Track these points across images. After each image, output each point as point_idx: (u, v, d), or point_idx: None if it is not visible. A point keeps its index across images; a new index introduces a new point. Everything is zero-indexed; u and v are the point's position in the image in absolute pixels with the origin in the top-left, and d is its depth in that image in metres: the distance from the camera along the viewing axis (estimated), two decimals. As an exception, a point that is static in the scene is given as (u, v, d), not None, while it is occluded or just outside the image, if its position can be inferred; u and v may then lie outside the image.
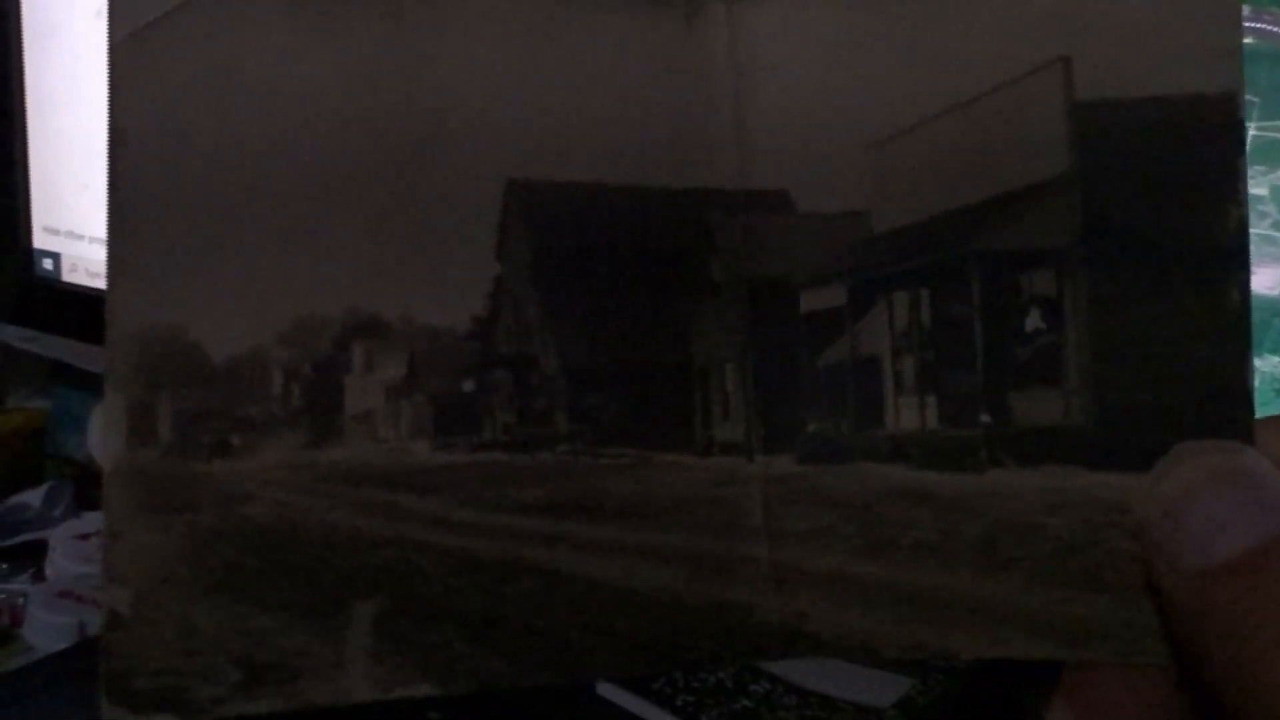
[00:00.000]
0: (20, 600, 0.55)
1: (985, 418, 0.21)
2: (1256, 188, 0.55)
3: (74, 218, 0.75)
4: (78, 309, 0.73)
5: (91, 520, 0.64)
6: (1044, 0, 0.21)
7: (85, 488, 0.67)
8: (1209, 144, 0.20)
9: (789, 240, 0.22)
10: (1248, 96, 0.54)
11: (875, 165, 0.22)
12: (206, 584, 0.20)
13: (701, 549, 0.21)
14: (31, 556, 0.61)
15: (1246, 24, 0.54)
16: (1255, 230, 0.55)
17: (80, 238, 0.74)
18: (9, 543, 0.62)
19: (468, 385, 0.21)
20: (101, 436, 0.67)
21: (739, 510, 0.21)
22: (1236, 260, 0.20)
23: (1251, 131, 0.54)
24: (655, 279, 0.22)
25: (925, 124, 0.21)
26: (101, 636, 0.19)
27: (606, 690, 0.47)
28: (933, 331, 0.22)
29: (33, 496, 0.66)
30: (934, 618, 0.21)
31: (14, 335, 0.76)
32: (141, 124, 0.20)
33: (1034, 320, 0.21)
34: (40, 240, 0.79)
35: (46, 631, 0.53)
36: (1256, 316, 0.55)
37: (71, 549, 0.60)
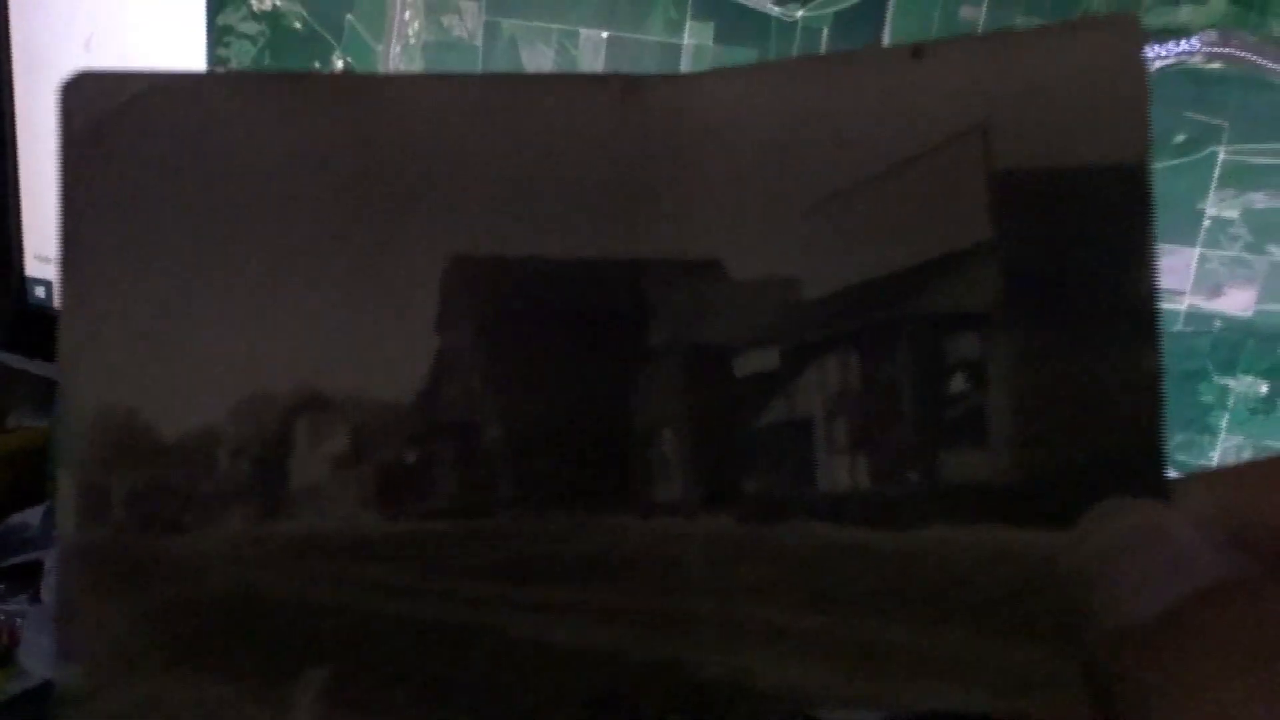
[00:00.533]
0: (18, 621, 0.55)
1: (914, 476, 0.22)
2: (1228, 210, 0.56)
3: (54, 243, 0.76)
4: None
5: None
6: (964, 72, 0.21)
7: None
8: (1120, 212, 0.21)
9: (724, 307, 0.22)
10: (1218, 120, 0.54)
11: (806, 234, 0.22)
12: (159, 658, 0.21)
13: (647, 607, 0.22)
14: (29, 577, 0.61)
15: (1215, 49, 0.55)
16: (1227, 253, 0.56)
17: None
18: (8, 563, 0.62)
19: (411, 456, 0.22)
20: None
21: (682, 569, 0.22)
22: (1149, 324, 0.21)
23: (1221, 155, 0.55)
24: (594, 347, 0.22)
25: (853, 193, 0.22)
26: (56, 714, 0.20)
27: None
28: (863, 393, 0.22)
29: (32, 516, 0.66)
30: (875, 671, 0.22)
31: (13, 357, 0.76)
32: (94, 213, 0.21)
33: (959, 382, 0.22)
34: (33, 269, 0.80)
35: (41, 656, 0.53)
36: (1230, 338, 0.56)
37: None
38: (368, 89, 0.22)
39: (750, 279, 0.22)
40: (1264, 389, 0.56)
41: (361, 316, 0.22)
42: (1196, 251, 0.56)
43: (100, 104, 0.21)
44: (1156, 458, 0.21)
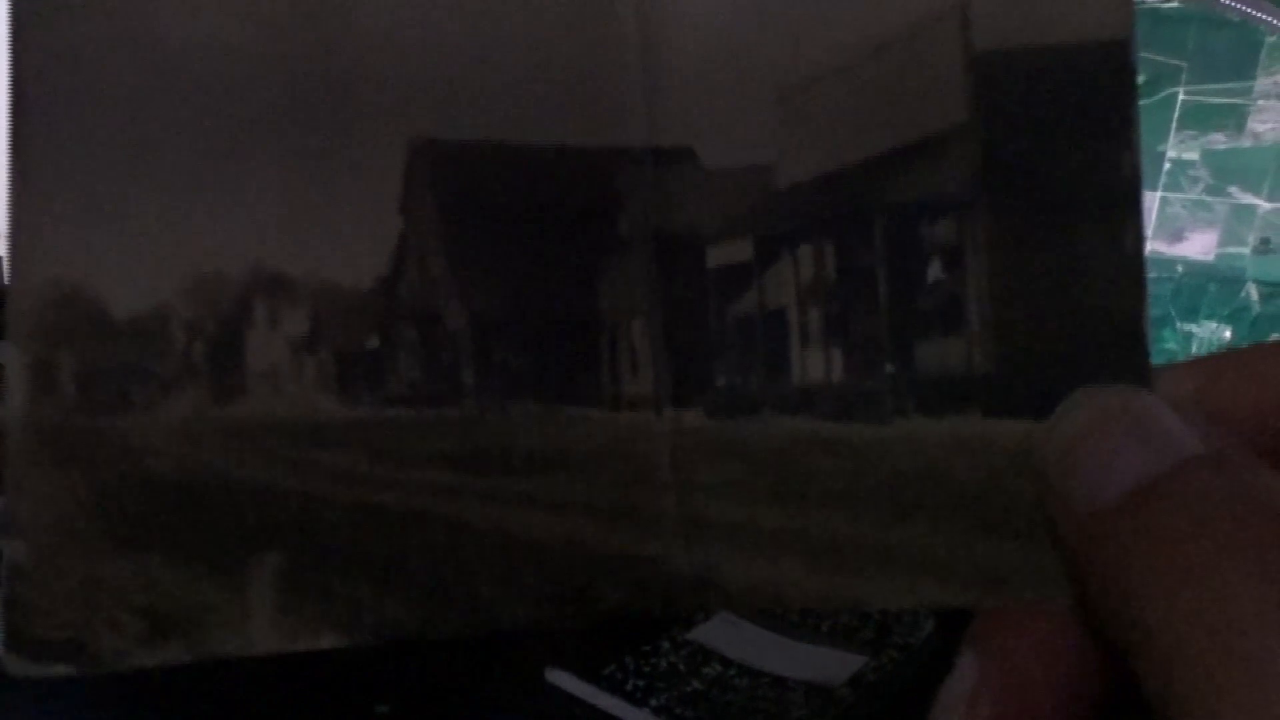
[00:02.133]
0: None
1: (890, 368, 0.21)
2: (1187, 152, 0.55)
3: None
4: None
5: None
6: None
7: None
8: (1103, 91, 0.20)
9: (695, 196, 0.22)
10: (1177, 61, 0.54)
11: (780, 119, 0.22)
12: (109, 537, 0.20)
13: (610, 502, 0.21)
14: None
15: None
16: (1188, 196, 0.55)
17: None
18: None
19: (372, 341, 0.21)
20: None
21: (648, 463, 0.22)
22: (1130, 205, 0.20)
23: (1181, 95, 0.55)
24: (561, 235, 0.22)
25: (828, 76, 0.21)
26: (3, 589, 0.19)
27: (557, 678, 0.47)
28: (838, 283, 0.22)
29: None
30: (843, 566, 0.21)
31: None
32: (44, 78, 0.20)
33: (936, 270, 0.21)
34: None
35: None
36: (1192, 283, 0.55)
37: None
38: None
39: (722, 167, 0.22)
40: (1227, 334, 0.55)
41: (323, 198, 0.21)
42: (1157, 195, 0.55)
43: None
44: (1138, 342, 0.20)
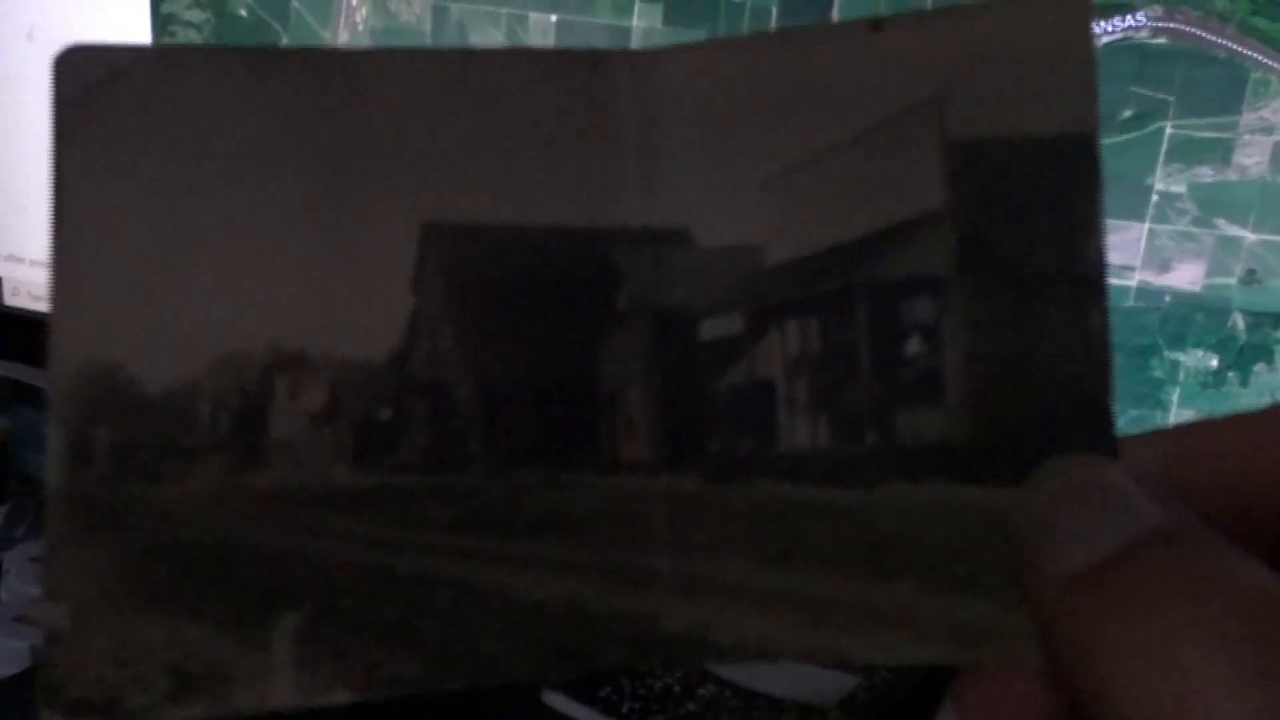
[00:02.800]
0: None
1: (871, 436, 0.23)
2: (1175, 185, 0.56)
3: (12, 241, 0.75)
4: (23, 333, 0.72)
5: None
6: (919, 45, 0.22)
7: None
8: (1070, 180, 0.21)
9: (689, 273, 0.23)
10: (1164, 95, 0.55)
11: (769, 203, 0.23)
12: (140, 600, 0.21)
13: (609, 562, 0.23)
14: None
15: (1160, 24, 0.56)
16: (1174, 227, 0.56)
17: (20, 260, 0.75)
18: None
19: (385, 413, 0.23)
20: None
21: (644, 526, 0.23)
22: (1096, 287, 0.21)
23: (1168, 129, 0.56)
24: (563, 310, 0.23)
25: (814, 162, 0.23)
26: (40, 652, 0.21)
27: (552, 699, 0.48)
28: (822, 356, 0.23)
29: (-8, 515, 0.67)
30: (829, 624, 0.22)
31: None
32: (83, 179, 0.22)
33: (915, 345, 0.22)
34: (-1, 268, 0.79)
35: (2, 654, 0.53)
36: (1179, 313, 0.56)
37: (28, 571, 0.60)
38: (346, 63, 0.23)
39: (714, 246, 0.23)
40: (1214, 362, 0.56)
41: (337, 278, 0.23)
42: (1145, 227, 0.56)
43: (90, 74, 0.22)
44: (1104, 416, 0.21)
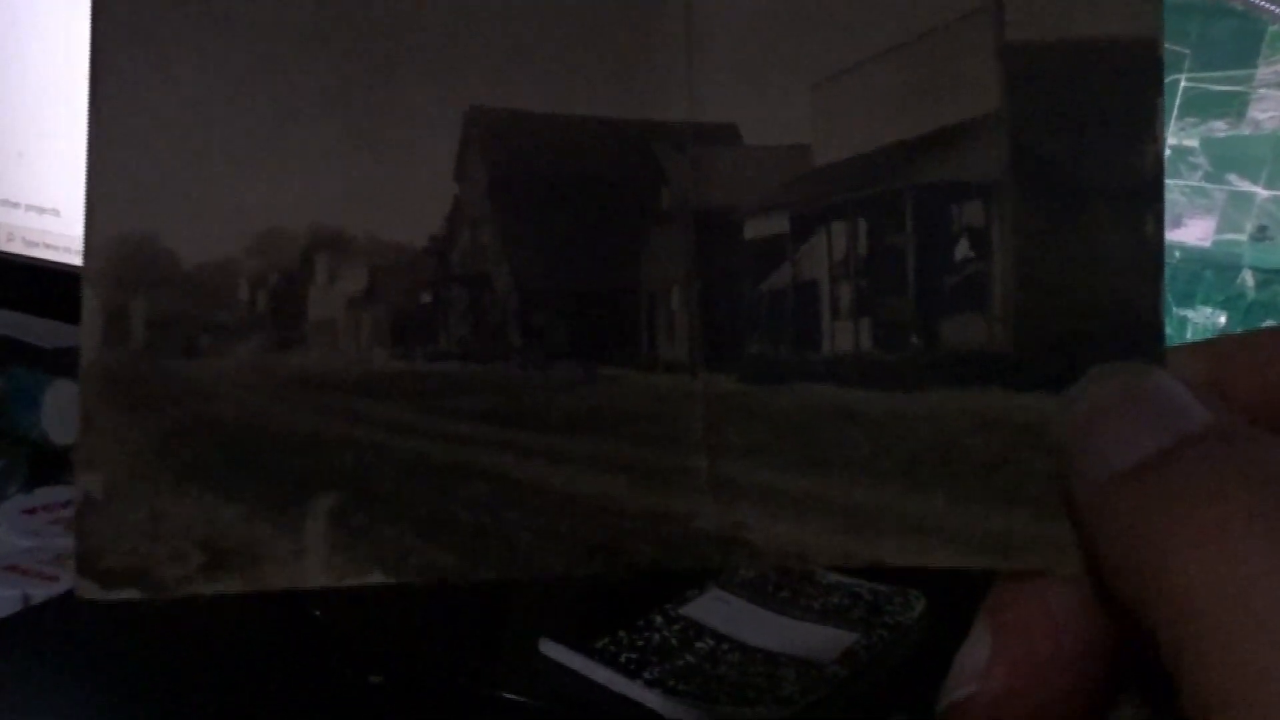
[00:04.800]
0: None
1: (915, 341, 0.23)
2: (1187, 139, 0.56)
3: (9, 186, 0.74)
4: (17, 280, 0.72)
5: (41, 495, 0.65)
6: None
7: (38, 466, 0.67)
8: (1129, 84, 0.21)
9: (735, 172, 0.23)
10: (1179, 48, 0.55)
11: (819, 102, 0.23)
12: (174, 475, 0.21)
13: (644, 460, 0.23)
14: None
15: None
16: (1186, 182, 0.56)
17: (16, 206, 0.74)
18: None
19: (425, 299, 0.22)
20: (55, 414, 0.67)
21: (681, 425, 0.23)
22: (1153, 194, 0.21)
23: (1182, 83, 0.55)
24: (606, 206, 0.23)
25: (866, 64, 0.23)
26: (75, 517, 0.20)
27: (550, 649, 0.48)
28: (868, 259, 0.23)
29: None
30: (863, 529, 0.22)
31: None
32: (121, 49, 0.21)
33: (963, 250, 0.22)
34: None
35: None
36: (1188, 269, 0.56)
37: (18, 523, 0.60)
38: None
39: (761, 145, 0.23)
40: (1222, 320, 0.56)
41: (380, 161, 0.22)
42: None
43: None
44: (1154, 324, 0.21)
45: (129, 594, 0.20)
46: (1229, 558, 0.17)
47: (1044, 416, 0.21)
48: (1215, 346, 0.22)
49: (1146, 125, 0.21)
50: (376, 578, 0.21)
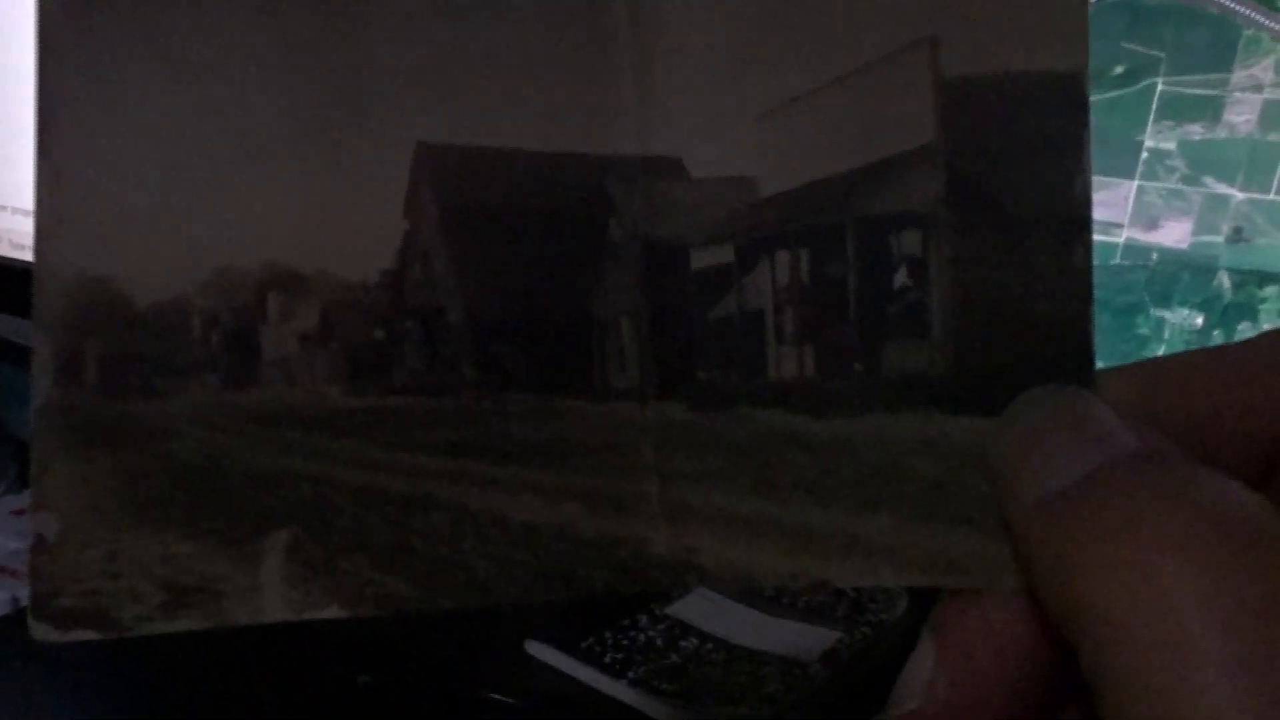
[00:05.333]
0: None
1: (858, 367, 0.23)
2: (1165, 142, 0.56)
3: None
4: (3, 282, 0.72)
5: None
6: None
7: (27, 464, 0.67)
8: (1057, 118, 0.22)
9: (682, 203, 0.23)
10: (1156, 52, 0.55)
11: (763, 135, 0.23)
12: (131, 514, 0.21)
13: (597, 487, 0.23)
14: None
15: None
16: (1164, 185, 0.57)
17: (2, 209, 0.74)
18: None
19: (378, 334, 0.23)
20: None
21: (632, 452, 0.23)
22: (1081, 224, 0.22)
23: (1159, 87, 0.56)
24: (556, 238, 0.23)
25: (809, 97, 0.23)
26: (29, 558, 0.21)
27: (536, 649, 0.48)
28: (811, 288, 0.23)
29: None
30: (811, 550, 0.23)
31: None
32: (71, 88, 0.22)
33: (902, 278, 0.23)
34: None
35: None
36: (1165, 271, 0.57)
37: (8, 524, 0.60)
38: None
39: (708, 177, 0.23)
40: (1199, 321, 0.57)
41: (331, 198, 0.22)
42: (1134, 184, 0.57)
43: None
44: (1084, 349, 0.22)
45: (85, 634, 0.21)
46: (1144, 582, 0.17)
47: (982, 439, 0.22)
48: (1148, 369, 0.23)
49: (1074, 156, 0.22)
50: (333, 611, 0.22)
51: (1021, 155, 0.22)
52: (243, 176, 0.22)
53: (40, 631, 0.21)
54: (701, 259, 0.24)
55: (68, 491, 0.21)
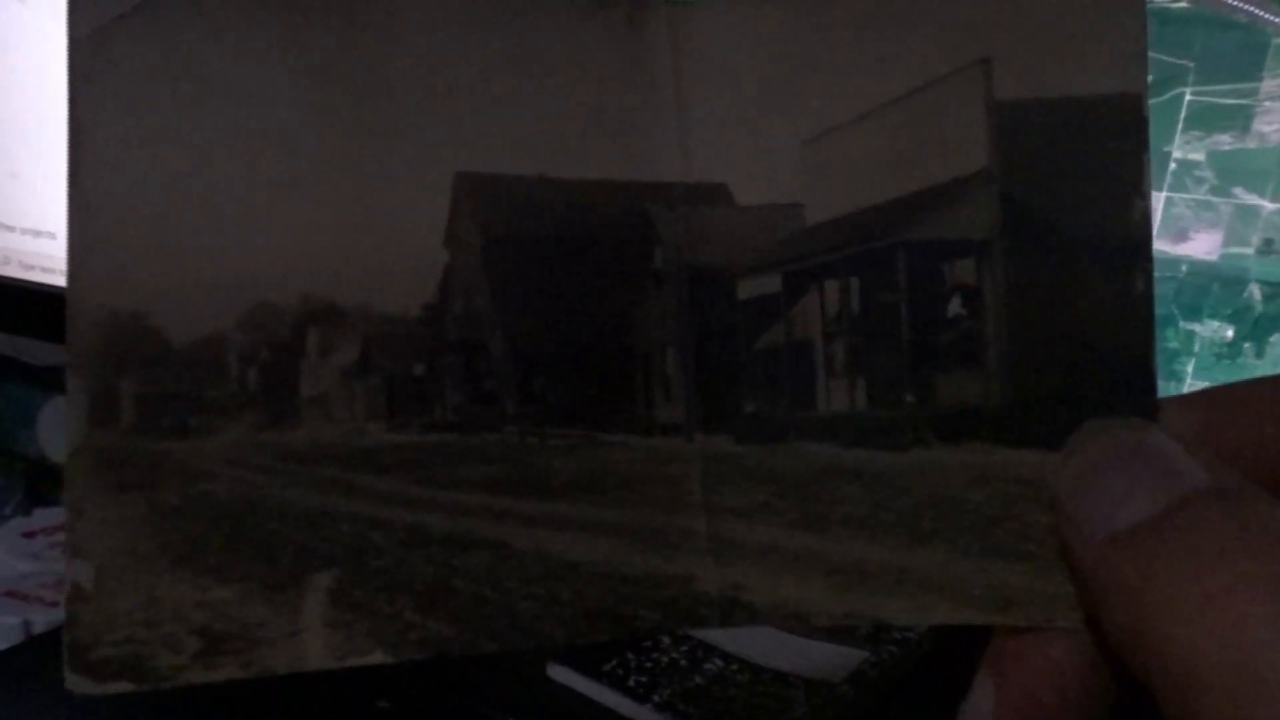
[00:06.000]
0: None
1: (910, 398, 0.22)
2: (1193, 153, 0.56)
3: (3, 209, 0.73)
4: (12, 303, 0.71)
5: (40, 517, 0.63)
6: (968, 6, 0.22)
7: (36, 484, 0.66)
8: (1116, 141, 0.21)
9: (728, 231, 0.23)
10: (1183, 61, 0.55)
11: (809, 161, 0.23)
12: (167, 558, 0.21)
13: (643, 523, 0.23)
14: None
15: None
16: (1192, 196, 0.56)
17: (11, 230, 0.73)
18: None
19: (419, 369, 0.22)
20: (51, 430, 0.66)
21: (679, 487, 0.23)
22: (1141, 250, 0.21)
23: (1187, 96, 0.55)
24: (599, 268, 0.23)
25: (856, 122, 0.22)
26: (65, 608, 0.20)
27: (558, 673, 0.48)
28: (861, 317, 0.23)
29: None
30: (864, 587, 0.22)
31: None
32: (102, 118, 0.21)
33: (956, 307, 0.22)
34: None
35: None
36: (1195, 283, 0.56)
37: (17, 547, 0.59)
38: (375, 7, 0.22)
39: (754, 204, 0.23)
40: (1229, 333, 0.56)
41: (370, 230, 0.22)
42: (1163, 195, 0.56)
43: (108, 7, 0.21)
44: (1146, 379, 0.21)
45: (122, 686, 0.20)
46: (1232, 623, 0.17)
47: (1040, 471, 0.21)
48: (1208, 398, 0.22)
49: (1134, 181, 0.21)
50: (377, 656, 0.21)
51: (1079, 179, 0.22)
52: (278, 207, 0.22)
53: (77, 684, 0.20)
54: (748, 288, 0.23)
55: (103, 536, 0.21)
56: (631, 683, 0.47)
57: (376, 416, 0.22)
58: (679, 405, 0.23)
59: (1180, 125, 0.55)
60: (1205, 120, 0.55)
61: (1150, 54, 0.59)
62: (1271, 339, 0.56)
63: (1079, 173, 0.22)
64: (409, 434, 0.22)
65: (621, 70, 0.23)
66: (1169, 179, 0.55)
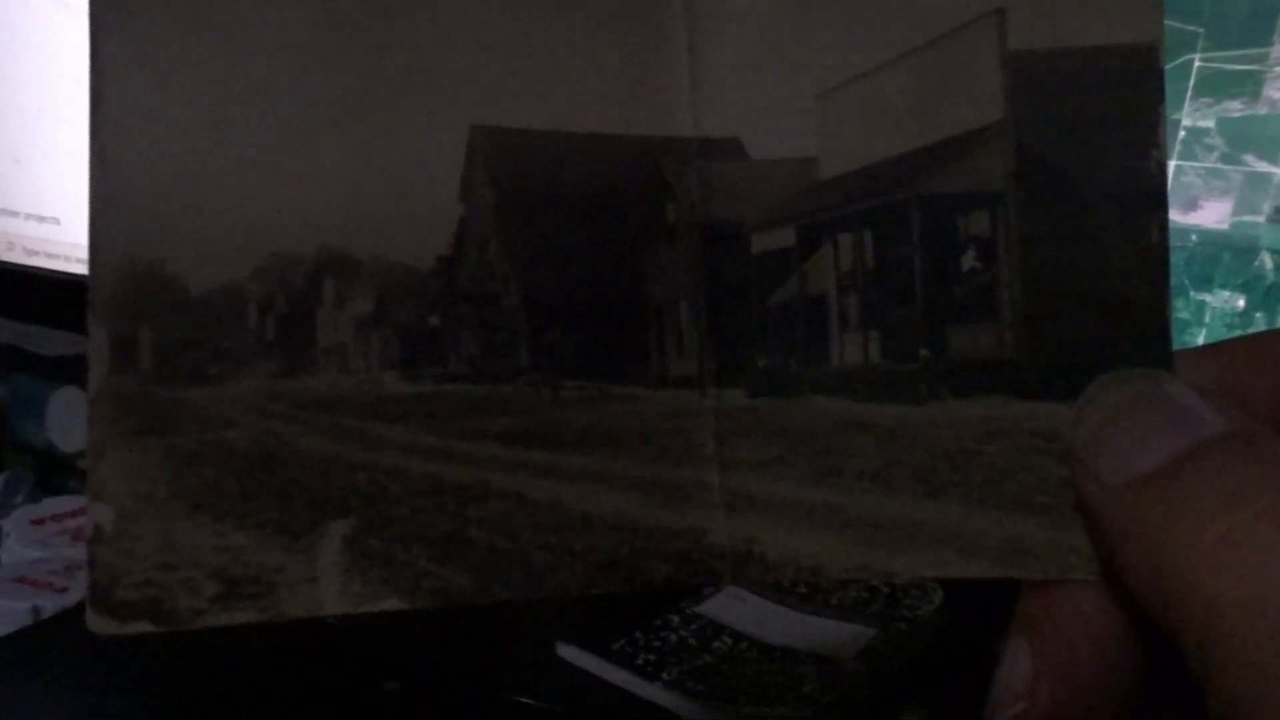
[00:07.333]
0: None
1: (924, 352, 0.23)
2: (1203, 120, 0.55)
3: (8, 194, 0.74)
4: (16, 289, 0.72)
5: (49, 505, 0.64)
6: None
7: (45, 474, 0.67)
8: (1132, 91, 0.21)
9: (741, 185, 0.23)
10: (1193, 27, 0.54)
11: (823, 114, 0.23)
12: (186, 503, 0.21)
13: (656, 476, 0.23)
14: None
15: None
16: (1202, 164, 0.55)
17: (15, 214, 0.73)
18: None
19: (433, 320, 0.22)
20: (60, 420, 0.67)
21: (692, 440, 0.23)
22: (1156, 200, 0.21)
23: (1196, 63, 0.54)
24: (612, 221, 0.23)
25: (870, 74, 0.22)
26: (88, 549, 0.20)
27: (567, 652, 0.48)
28: (875, 271, 0.23)
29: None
30: (876, 540, 0.22)
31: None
32: (121, 70, 0.21)
33: (970, 259, 0.22)
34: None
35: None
36: (1205, 252, 0.56)
37: (26, 534, 0.60)
38: None
39: (768, 157, 0.23)
40: (1241, 303, 0.55)
41: (385, 182, 0.22)
42: (1172, 163, 0.55)
43: None
44: (1161, 330, 0.21)
45: (143, 627, 0.20)
46: (1253, 563, 0.17)
47: (1055, 424, 0.21)
48: (1223, 350, 0.22)
49: (1150, 131, 0.21)
50: (392, 603, 0.21)
51: (1094, 131, 0.21)
52: (295, 157, 0.22)
53: (99, 624, 0.20)
54: (761, 242, 0.23)
55: (122, 479, 0.21)
56: (640, 661, 0.47)
57: (391, 366, 0.22)
58: (692, 359, 0.23)
59: (1189, 92, 0.54)
60: (1215, 87, 0.54)
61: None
62: (1281, 314, 0.55)
63: (1094, 123, 0.22)
64: (424, 384, 0.22)
65: (635, 24, 0.23)
66: (1178, 147, 0.55)
